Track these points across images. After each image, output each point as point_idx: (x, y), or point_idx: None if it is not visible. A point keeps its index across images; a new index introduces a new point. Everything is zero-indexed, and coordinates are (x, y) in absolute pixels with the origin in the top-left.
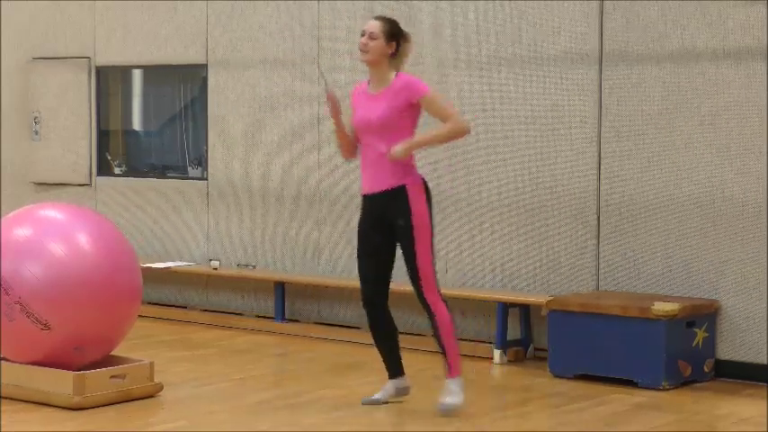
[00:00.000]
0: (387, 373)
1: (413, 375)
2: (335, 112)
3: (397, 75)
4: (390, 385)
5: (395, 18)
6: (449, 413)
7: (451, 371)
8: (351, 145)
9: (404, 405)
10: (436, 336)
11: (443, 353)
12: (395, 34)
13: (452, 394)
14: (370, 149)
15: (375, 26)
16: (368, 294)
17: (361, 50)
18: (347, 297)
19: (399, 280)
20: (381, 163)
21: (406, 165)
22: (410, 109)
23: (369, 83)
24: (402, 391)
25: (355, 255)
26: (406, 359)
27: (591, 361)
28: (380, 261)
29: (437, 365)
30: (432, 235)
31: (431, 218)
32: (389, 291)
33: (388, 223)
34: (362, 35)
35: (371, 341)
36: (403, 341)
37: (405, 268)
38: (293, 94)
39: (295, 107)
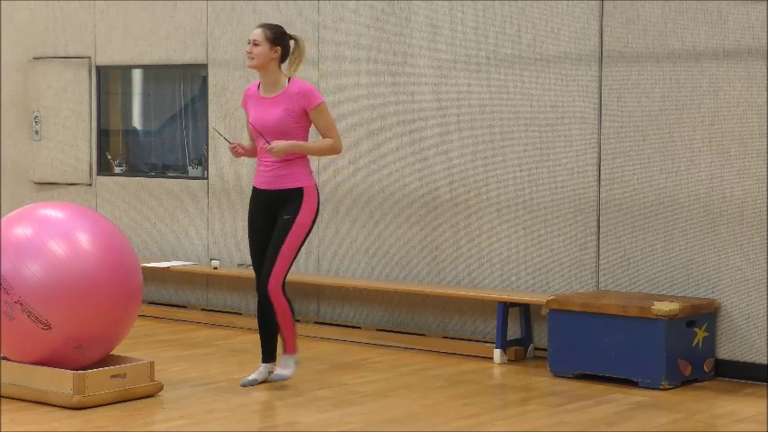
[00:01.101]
0: (262, 357)
1: (413, 374)
2: (244, 150)
3: (290, 80)
4: (264, 369)
5: (280, 24)
6: (278, 381)
7: (287, 348)
8: (254, 150)
9: (403, 405)
10: (274, 321)
11: (281, 333)
12: (278, 39)
13: (286, 367)
14: (266, 153)
15: (257, 34)
16: (258, 279)
17: (247, 57)
18: (347, 297)
19: (399, 280)
20: (280, 166)
21: (305, 169)
22: (305, 116)
23: (259, 85)
24: (270, 376)
25: (353, 253)
26: (406, 358)
27: (591, 360)
28: (265, 248)
29: (436, 365)
30: (304, 241)
31: (312, 224)
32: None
33: (275, 215)
34: (248, 43)
35: (371, 340)
36: (404, 340)
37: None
38: None
39: None
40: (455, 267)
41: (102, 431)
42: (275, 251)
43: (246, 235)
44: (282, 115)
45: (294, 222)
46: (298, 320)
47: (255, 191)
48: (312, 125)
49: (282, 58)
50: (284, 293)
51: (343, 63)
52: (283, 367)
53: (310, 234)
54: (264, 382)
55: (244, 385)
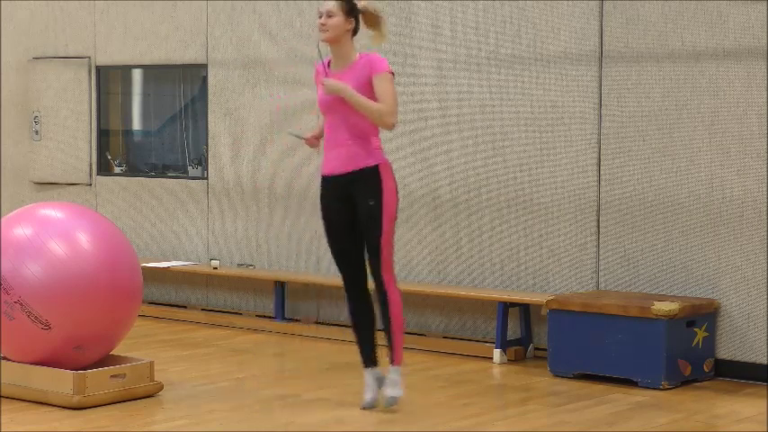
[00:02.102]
0: (363, 362)
1: (413, 374)
2: (316, 138)
3: (360, 54)
4: (370, 377)
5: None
6: (391, 406)
7: (396, 358)
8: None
9: (403, 405)
10: (385, 318)
11: (389, 337)
12: (352, 10)
13: (395, 385)
14: (337, 130)
15: (332, 4)
16: (348, 275)
17: (320, 30)
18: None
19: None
20: (351, 144)
21: (375, 147)
22: (371, 84)
23: (329, 62)
24: (381, 381)
25: None
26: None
27: (591, 360)
28: (353, 239)
29: (436, 365)
30: (395, 218)
31: (398, 202)
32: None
33: (354, 203)
34: (320, 16)
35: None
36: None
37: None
38: (293, 93)
39: (296, 107)
40: (455, 267)
41: (103, 431)
42: (377, 238)
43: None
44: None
45: (382, 204)
46: (297, 320)
47: (325, 179)
48: None
49: (354, 31)
50: (396, 284)
51: None
52: (392, 385)
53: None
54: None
55: (365, 408)
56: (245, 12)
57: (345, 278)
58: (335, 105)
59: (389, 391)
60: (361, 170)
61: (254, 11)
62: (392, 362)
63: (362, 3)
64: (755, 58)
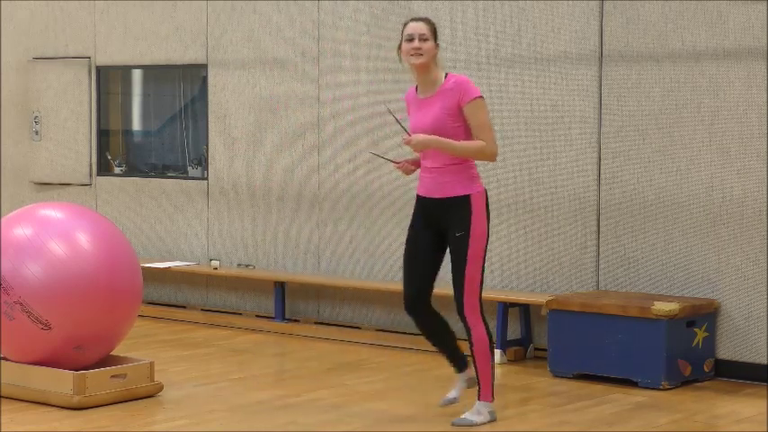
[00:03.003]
0: (453, 369)
1: (413, 374)
2: (414, 164)
3: (447, 75)
4: (459, 380)
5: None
6: (463, 425)
7: (481, 394)
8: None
9: (403, 405)
10: (471, 353)
11: (476, 373)
12: (437, 34)
13: (476, 414)
14: (430, 158)
15: (423, 28)
16: (411, 294)
17: (413, 55)
18: (347, 297)
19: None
20: (443, 172)
21: (471, 175)
22: (461, 111)
23: (417, 88)
24: (471, 382)
25: (353, 253)
26: (405, 358)
27: (591, 360)
28: (428, 260)
29: (436, 365)
30: (485, 254)
31: (488, 232)
32: (432, 293)
33: (443, 230)
34: (410, 39)
35: (371, 340)
36: (404, 341)
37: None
38: (294, 94)
39: (296, 107)
40: None
41: (103, 431)
42: (462, 272)
43: None
44: (439, 114)
45: (470, 237)
46: (297, 320)
47: (418, 199)
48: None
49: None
50: (484, 321)
51: (342, 62)
52: (472, 412)
53: (488, 244)
54: (456, 400)
55: (443, 405)
56: (245, 12)
57: (405, 294)
58: (424, 131)
59: (467, 414)
60: (452, 198)
61: (254, 11)
62: (479, 397)
63: None
64: (755, 59)
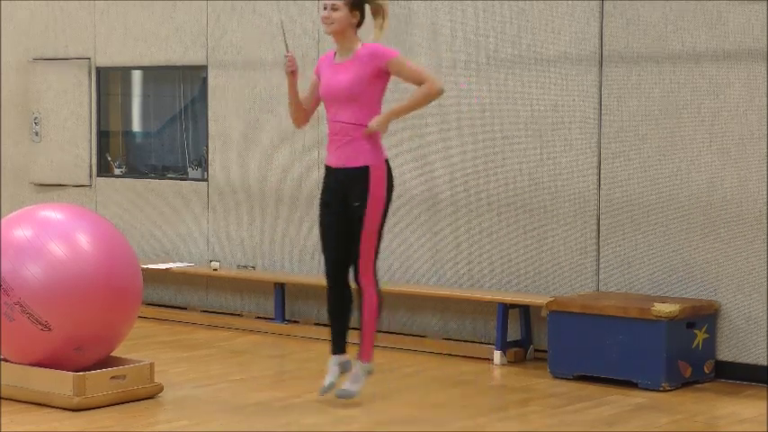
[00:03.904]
0: (331, 349)
1: (412, 376)
2: (292, 72)
3: (362, 44)
4: (334, 363)
5: None
6: (344, 398)
7: (363, 354)
8: (303, 112)
9: (403, 406)
10: (360, 314)
11: (361, 335)
12: (357, 3)
13: (355, 381)
14: (335, 125)
15: None
16: (328, 264)
17: (324, 23)
18: None
19: (399, 281)
20: (347, 138)
21: (373, 144)
22: (378, 78)
23: (335, 53)
24: (345, 366)
25: None
26: (405, 360)
27: (591, 362)
28: (343, 230)
29: (436, 366)
30: (382, 221)
31: (387, 203)
32: (350, 265)
33: (346, 199)
34: (324, 8)
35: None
36: (404, 342)
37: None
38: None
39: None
40: (455, 269)
41: None
42: (356, 242)
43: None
44: (352, 79)
45: (366, 206)
46: (297, 322)
47: (327, 169)
48: (388, 85)
49: (359, 24)
50: (376, 285)
51: None
52: (352, 380)
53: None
54: (334, 384)
55: (323, 393)
56: (244, 13)
57: (327, 264)
58: (337, 96)
59: (347, 384)
60: (352, 169)
61: (254, 12)
62: (359, 357)
63: None
64: (755, 60)
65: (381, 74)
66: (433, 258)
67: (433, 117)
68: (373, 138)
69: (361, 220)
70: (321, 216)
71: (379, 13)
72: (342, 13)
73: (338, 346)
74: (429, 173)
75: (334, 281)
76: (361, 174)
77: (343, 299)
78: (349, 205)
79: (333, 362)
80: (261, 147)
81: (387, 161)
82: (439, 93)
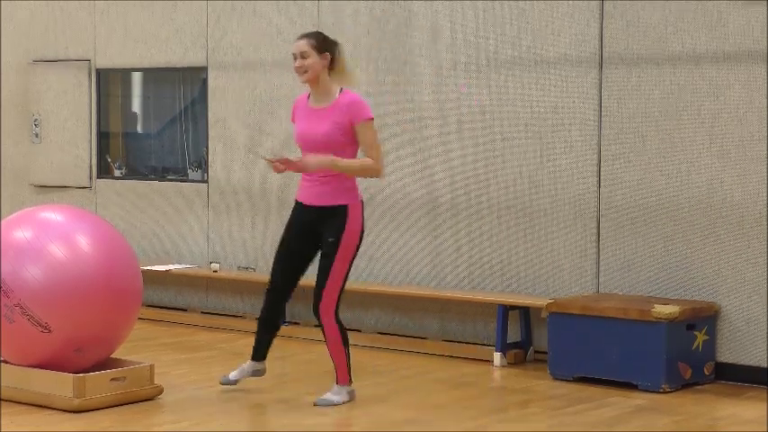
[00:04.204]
0: (252, 355)
1: (413, 377)
2: (285, 167)
3: (342, 91)
4: (249, 366)
5: (320, 31)
6: (322, 405)
7: (339, 378)
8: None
9: (403, 408)
10: (327, 344)
11: (333, 361)
12: (325, 45)
13: (334, 394)
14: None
15: (303, 45)
16: (276, 285)
17: (297, 73)
18: (347, 300)
19: (400, 283)
20: (324, 179)
21: (350, 186)
22: (353, 129)
23: (309, 96)
24: (258, 373)
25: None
26: (406, 361)
27: (591, 363)
28: (297, 264)
29: (436, 368)
30: (352, 260)
31: (359, 244)
32: (295, 289)
33: (318, 235)
34: (294, 58)
35: (371, 343)
36: (404, 344)
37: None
38: (293, 96)
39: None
40: (455, 271)
41: None
42: (325, 273)
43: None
44: (331, 128)
45: (340, 243)
46: (297, 323)
47: (297, 204)
48: None
49: (331, 64)
50: (337, 319)
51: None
52: (335, 394)
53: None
54: (240, 381)
55: (223, 383)
56: (245, 14)
57: (271, 286)
58: (314, 141)
59: (328, 395)
60: (330, 207)
61: (254, 13)
62: (336, 381)
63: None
64: (756, 62)
65: (354, 126)
66: (434, 260)
67: (434, 120)
68: (350, 179)
69: (333, 255)
70: (279, 245)
71: (338, 60)
72: (313, 59)
73: (257, 354)
74: (429, 175)
75: (272, 301)
76: (340, 212)
77: (274, 319)
78: (322, 241)
79: (249, 364)
80: (261, 148)
81: (362, 202)
82: (377, 175)
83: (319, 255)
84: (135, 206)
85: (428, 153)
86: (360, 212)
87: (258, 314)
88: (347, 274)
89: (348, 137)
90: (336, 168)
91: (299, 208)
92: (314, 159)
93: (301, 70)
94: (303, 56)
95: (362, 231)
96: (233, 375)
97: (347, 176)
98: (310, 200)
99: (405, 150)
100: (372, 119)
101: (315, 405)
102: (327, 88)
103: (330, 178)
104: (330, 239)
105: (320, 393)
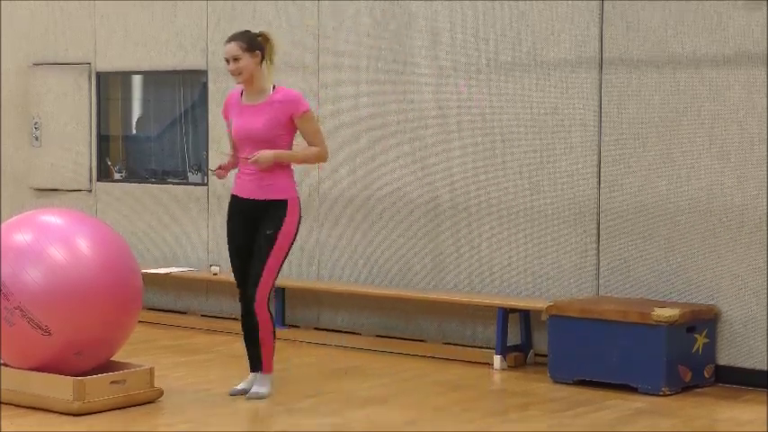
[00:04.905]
0: (250, 367)
1: (412, 380)
2: (226, 169)
3: (275, 87)
4: (252, 377)
5: (248, 29)
6: (254, 399)
7: (265, 368)
8: (236, 161)
9: (403, 411)
10: (257, 334)
11: (261, 351)
12: (253, 44)
13: (262, 385)
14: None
15: (232, 48)
16: (242, 290)
17: (233, 76)
18: (346, 303)
19: (399, 286)
20: (265, 176)
21: (289, 180)
22: (291, 123)
23: (242, 93)
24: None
25: (353, 259)
26: (405, 364)
27: (591, 366)
28: (249, 258)
29: (436, 371)
30: (287, 253)
31: (295, 237)
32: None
33: (257, 226)
34: (227, 62)
35: (371, 346)
36: (404, 347)
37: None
38: None
39: None
40: (455, 273)
41: None
42: (260, 266)
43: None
44: (268, 124)
45: (277, 237)
46: (297, 326)
47: (235, 199)
48: (297, 133)
49: (262, 60)
50: (269, 309)
51: (342, 68)
52: (260, 385)
53: (293, 246)
54: (248, 391)
55: (232, 395)
56: (245, 17)
57: (240, 290)
58: (253, 136)
59: (255, 388)
60: (269, 201)
61: (254, 16)
62: (262, 370)
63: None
64: (755, 64)
65: (293, 120)
66: (434, 263)
67: (434, 121)
68: (289, 175)
69: (270, 248)
70: (229, 250)
71: (266, 47)
72: (245, 61)
73: (254, 366)
74: (429, 177)
75: (246, 305)
76: (279, 205)
77: (255, 323)
78: (259, 233)
79: (252, 375)
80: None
81: (299, 198)
82: (324, 160)
83: (255, 248)
84: (135, 209)
85: (428, 154)
86: (298, 207)
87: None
88: (280, 268)
89: (285, 129)
90: (289, 159)
91: (237, 202)
92: (266, 154)
93: (236, 73)
94: (235, 59)
95: (299, 224)
96: (241, 386)
97: (287, 172)
98: (249, 193)
99: (405, 152)
100: (309, 109)
101: (247, 399)
102: (261, 86)
103: (270, 173)
104: (268, 232)
105: (318, 395)
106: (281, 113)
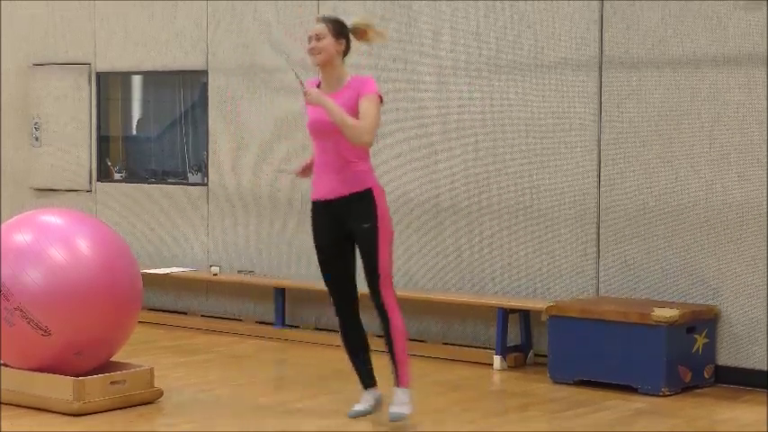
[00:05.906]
0: (361, 384)
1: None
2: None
3: (352, 77)
4: (369, 395)
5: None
6: (396, 421)
7: (401, 380)
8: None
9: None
10: (388, 341)
11: (393, 361)
12: (341, 31)
13: (401, 404)
14: (328, 154)
15: (320, 28)
16: (338, 300)
17: (311, 54)
18: None
19: (400, 286)
20: (343, 168)
21: (368, 171)
22: (358, 103)
23: (320, 84)
24: (379, 399)
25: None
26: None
27: (591, 367)
28: (344, 267)
29: (436, 371)
30: (392, 242)
31: (391, 223)
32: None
33: (348, 227)
34: (309, 40)
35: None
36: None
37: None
38: (293, 98)
39: (295, 112)
40: (455, 273)
41: None
42: (373, 265)
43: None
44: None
45: (378, 227)
46: (297, 326)
47: (316, 205)
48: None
49: (345, 52)
50: (398, 305)
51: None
52: (399, 404)
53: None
54: (370, 413)
55: (352, 417)
56: (245, 18)
57: (337, 303)
58: (326, 129)
59: (396, 408)
60: (355, 194)
61: (254, 17)
62: (397, 384)
63: (352, 20)
64: (755, 65)
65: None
66: (434, 263)
67: (435, 120)
68: (365, 162)
69: (374, 239)
70: (320, 261)
71: (364, 35)
72: (328, 41)
73: (366, 382)
74: (430, 178)
75: (345, 317)
76: (366, 196)
77: (358, 335)
78: (355, 232)
79: (368, 394)
80: (261, 151)
81: (381, 186)
82: (362, 139)
83: (359, 248)
84: (135, 209)
85: (429, 156)
86: (383, 194)
87: (258, 318)
88: (392, 257)
89: (355, 114)
90: (331, 111)
91: (321, 206)
92: (317, 92)
93: (315, 51)
94: (318, 37)
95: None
96: (358, 407)
97: (364, 162)
98: (332, 192)
99: (406, 153)
100: (378, 94)
101: (390, 421)
102: (339, 74)
103: (345, 165)
104: (365, 225)
105: (319, 397)
106: (352, 99)
